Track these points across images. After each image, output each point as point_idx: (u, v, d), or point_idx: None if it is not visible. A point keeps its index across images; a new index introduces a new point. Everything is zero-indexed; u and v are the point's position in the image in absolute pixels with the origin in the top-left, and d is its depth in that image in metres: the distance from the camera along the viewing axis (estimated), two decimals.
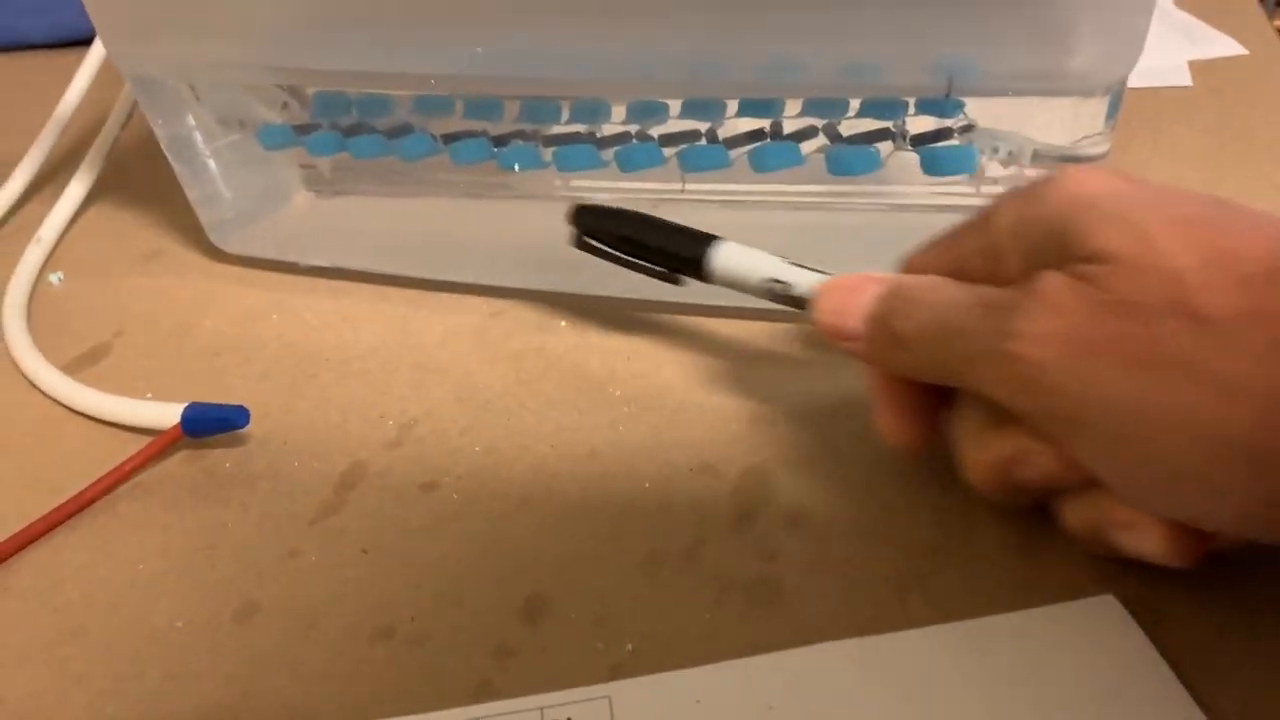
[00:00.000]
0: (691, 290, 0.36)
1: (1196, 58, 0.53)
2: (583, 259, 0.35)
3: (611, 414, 0.33)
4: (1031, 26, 0.27)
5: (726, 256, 0.31)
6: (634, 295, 0.37)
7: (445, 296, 0.40)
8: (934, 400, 0.27)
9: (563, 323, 0.37)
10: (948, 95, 0.30)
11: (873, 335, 0.27)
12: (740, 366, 0.34)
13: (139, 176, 0.51)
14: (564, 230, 0.41)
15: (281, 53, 0.37)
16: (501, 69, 0.33)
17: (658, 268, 0.33)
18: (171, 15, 0.37)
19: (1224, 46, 0.54)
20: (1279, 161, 0.42)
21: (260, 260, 0.43)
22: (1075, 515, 0.25)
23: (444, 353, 0.37)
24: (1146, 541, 0.23)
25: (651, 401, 0.33)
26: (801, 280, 0.29)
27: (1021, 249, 0.24)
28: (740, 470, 0.30)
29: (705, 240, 0.32)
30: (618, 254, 0.34)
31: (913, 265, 0.28)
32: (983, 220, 0.25)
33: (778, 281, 0.30)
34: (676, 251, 0.32)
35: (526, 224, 0.41)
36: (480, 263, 0.39)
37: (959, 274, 0.26)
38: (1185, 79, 0.51)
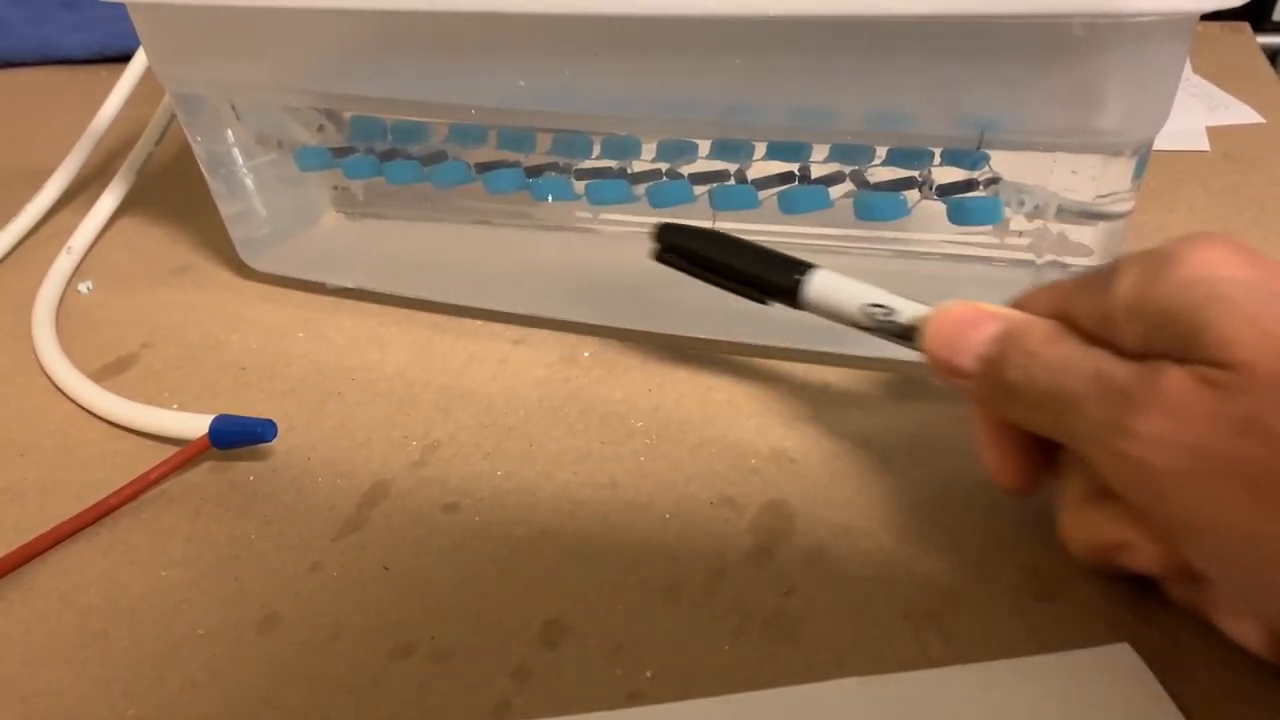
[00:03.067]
0: (714, 325, 0.37)
1: (1214, 124, 0.54)
2: (604, 291, 0.35)
3: (633, 445, 0.33)
4: (1065, 84, 0.28)
5: (823, 284, 0.30)
6: (656, 329, 0.38)
7: (470, 322, 0.40)
8: (1044, 446, 0.26)
9: (586, 353, 0.38)
10: (979, 148, 0.30)
11: (984, 377, 0.26)
12: (761, 402, 0.34)
13: (170, 192, 0.52)
14: (587, 260, 0.41)
15: (330, 79, 0.37)
16: (544, 103, 0.34)
17: (746, 288, 0.32)
18: (218, 38, 0.38)
19: (1241, 114, 0.55)
20: None
21: (287, 279, 0.44)
22: (1179, 593, 0.25)
23: (467, 378, 0.37)
24: (1249, 637, 0.23)
25: (673, 434, 0.33)
26: (906, 308, 0.28)
27: (1140, 329, 0.22)
28: (760, 505, 0.30)
29: (800, 267, 0.31)
30: (702, 272, 0.33)
31: (1026, 305, 0.26)
32: (1101, 282, 0.23)
33: (879, 307, 0.29)
34: (769, 278, 0.31)
35: (552, 253, 0.42)
36: (505, 290, 0.40)
37: (1073, 325, 0.24)
38: (1203, 144, 0.52)
